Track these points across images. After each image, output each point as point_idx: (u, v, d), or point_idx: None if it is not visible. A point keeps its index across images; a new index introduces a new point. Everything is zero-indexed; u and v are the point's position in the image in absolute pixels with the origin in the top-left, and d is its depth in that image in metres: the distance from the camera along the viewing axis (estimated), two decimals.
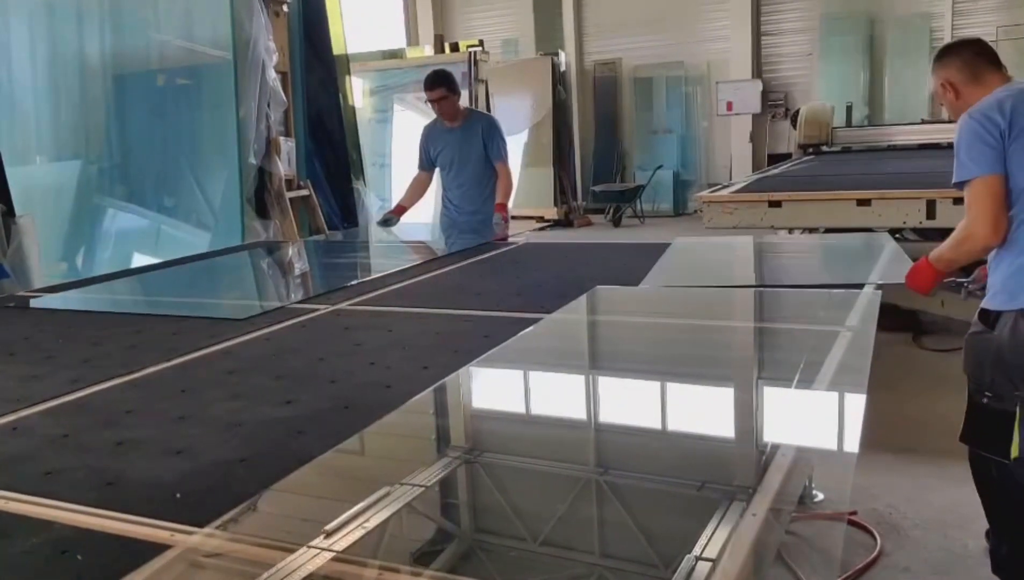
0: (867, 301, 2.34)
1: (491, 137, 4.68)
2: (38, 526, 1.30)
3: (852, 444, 1.41)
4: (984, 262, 2.64)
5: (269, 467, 1.48)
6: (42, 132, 5.97)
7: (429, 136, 4.82)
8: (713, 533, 1.15)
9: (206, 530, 1.23)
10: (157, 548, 1.20)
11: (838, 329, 2.09)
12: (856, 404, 1.59)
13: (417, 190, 4.93)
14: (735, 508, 1.23)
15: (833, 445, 1.55)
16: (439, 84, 4.58)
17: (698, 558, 1.08)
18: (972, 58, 2.54)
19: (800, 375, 1.82)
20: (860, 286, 2.52)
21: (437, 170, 4.84)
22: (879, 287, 2.49)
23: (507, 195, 4.63)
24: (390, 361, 2.14)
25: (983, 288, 2.51)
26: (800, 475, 1.43)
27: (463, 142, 4.67)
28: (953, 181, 2.48)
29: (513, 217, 5.13)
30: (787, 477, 1.29)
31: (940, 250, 2.62)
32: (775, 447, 1.39)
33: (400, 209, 4.84)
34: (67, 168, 5.97)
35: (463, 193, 4.71)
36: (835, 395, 1.74)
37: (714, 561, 1.07)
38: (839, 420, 1.64)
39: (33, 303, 3.18)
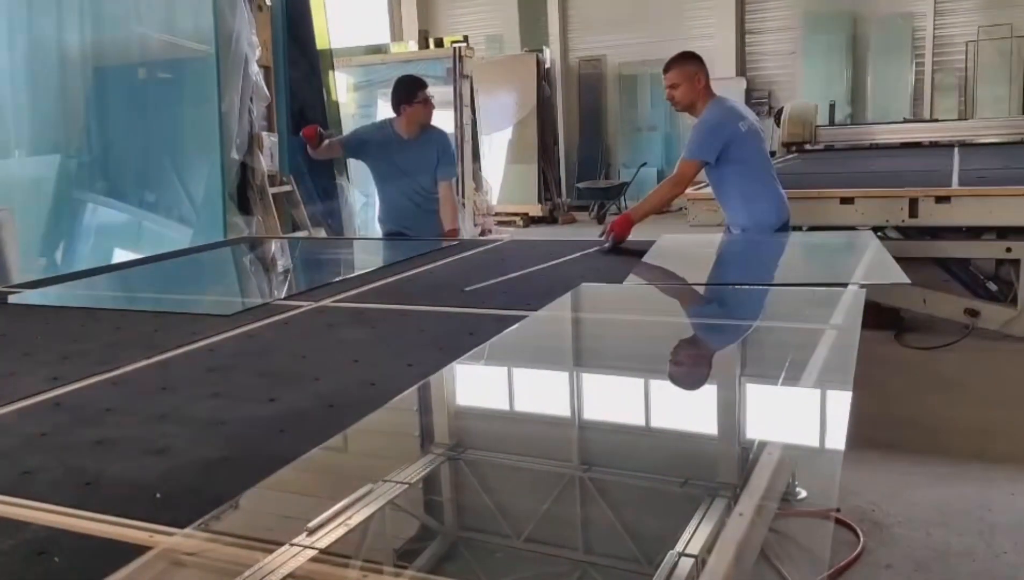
0: (851, 299, 2.34)
1: (446, 153, 4.48)
2: (14, 527, 1.27)
3: (838, 442, 1.41)
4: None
5: (252, 466, 1.46)
6: (21, 125, 5.90)
7: (378, 135, 4.54)
8: (696, 529, 1.15)
9: (187, 530, 1.21)
10: (137, 549, 1.17)
11: (823, 327, 2.09)
12: (842, 402, 1.59)
13: (328, 152, 4.67)
14: (717, 504, 1.23)
15: (819, 443, 1.55)
16: (425, 86, 4.43)
17: (681, 554, 1.08)
18: (705, 74, 3.91)
19: (785, 373, 1.82)
20: (844, 285, 2.52)
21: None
22: (863, 285, 2.50)
23: (454, 218, 4.48)
24: (374, 358, 2.13)
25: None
26: (785, 473, 1.43)
27: (418, 155, 4.43)
28: (684, 155, 3.88)
29: (497, 214, 5.11)
30: (774, 475, 1.29)
31: (640, 207, 3.96)
32: (761, 445, 1.38)
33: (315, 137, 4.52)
34: (46, 162, 5.90)
35: (411, 206, 4.50)
36: (821, 393, 1.74)
37: (696, 557, 1.07)
38: (825, 418, 1.64)
39: (11, 299, 3.13)
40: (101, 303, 3.18)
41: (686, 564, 1.06)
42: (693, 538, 1.13)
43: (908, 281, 2.67)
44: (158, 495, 1.36)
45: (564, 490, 1.50)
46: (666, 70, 3.92)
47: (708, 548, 1.11)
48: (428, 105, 4.47)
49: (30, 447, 1.62)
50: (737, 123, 3.84)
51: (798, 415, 1.67)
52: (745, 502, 1.20)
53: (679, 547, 1.10)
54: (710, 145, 3.81)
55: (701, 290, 2.99)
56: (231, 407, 1.79)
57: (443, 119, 9.02)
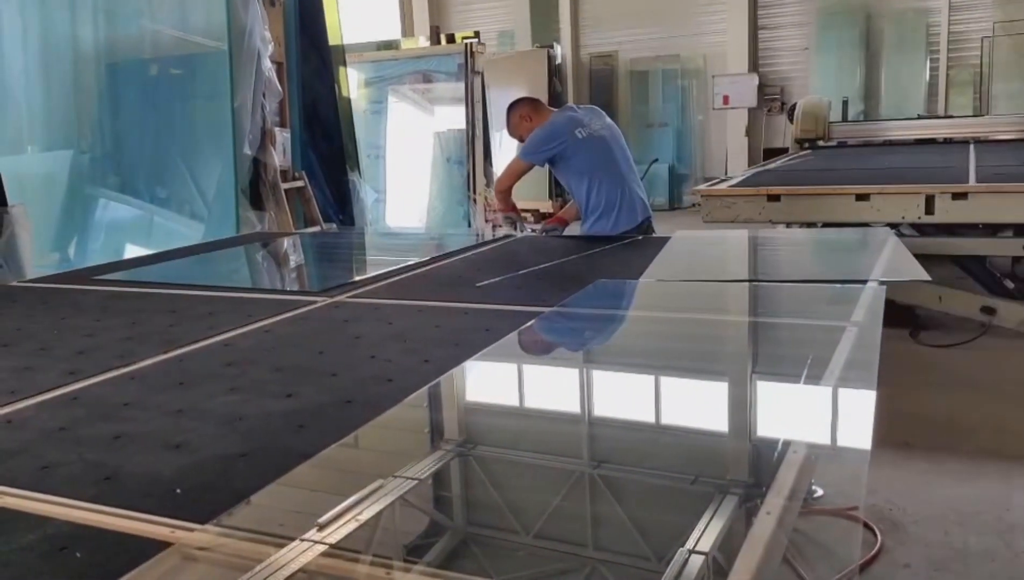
0: (872, 296, 2.32)
1: None
2: (35, 522, 1.27)
3: (864, 441, 1.39)
4: (550, 216, 4.92)
5: (270, 462, 1.45)
6: (34, 121, 5.91)
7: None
8: (706, 527, 1.15)
9: (208, 526, 1.21)
10: (157, 545, 1.17)
11: (844, 324, 2.07)
12: (865, 400, 1.57)
13: None
14: (729, 502, 1.23)
15: (840, 442, 1.54)
16: None
17: (691, 551, 1.08)
18: (528, 107, 4.33)
19: (807, 371, 1.80)
20: (863, 281, 2.50)
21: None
22: (883, 282, 2.47)
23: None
24: (390, 354, 2.12)
25: (552, 229, 4.30)
26: (810, 472, 1.42)
27: None
28: (520, 155, 4.25)
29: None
30: (799, 474, 1.27)
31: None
32: (787, 444, 1.37)
33: None
34: (59, 157, 5.91)
35: None
36: (842, 391, 1.72)
37: (707, 554, 1.07)
38: (847, 417, 1.63)
39: (23, 294, 3.14)
40: (115, 299, 3.18)
41: (696, 561, 1.06)
42: (703, 535, 1.13)
43: (928, 278, 2.64)
44: (178, 490, 1.36)
45: (574, 486, 1.49)
46: (511, 135, 4.43)
47: (719, 546, 1.10)
48: None
49: (49, 441, 1.61)
50: (573, 130, 4.05)
51: (819, 413, 1.66)
52: (772, 501, 1.18)
53: (689, 544, 1.10)
54: (539, 151, 4.12)
55: (718, 287, 2.97)
56: (249, 402, 1.78)
57: (454, 115, 9.03)
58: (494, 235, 4.36)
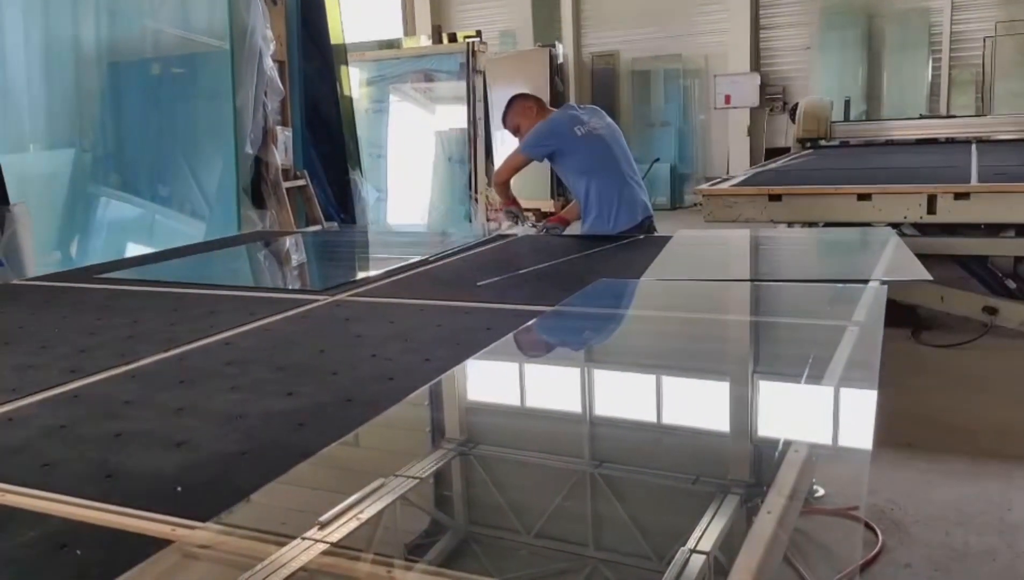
0: (873, 296, 2.32)
1: None
2: (36, 519, 1.27)
3: (865, 441, 1.39)
4: (551, 215, 4.90)
5: (271, 460, 1.45)
6: (36, 120, 5.91)
7: None
8: (707, 526, 1.15)
9: (207, 524, 1.21)
10: (158, 543, 1.17)
11: (845, 324, 2.07)
12: (866, 400, 1.57)
13: None
14: (730, 501, 1.24)
15: (846, 441, 1.54)
16: None
17: (692, 551, 1.08)
18: (534, 101, 4.38)
19: (808, 370, 1.80)
20: (865, 281, 2.50)
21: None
22: (884, 282, 2.47)
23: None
24: (391, 353, 2.12)
25: (553, 228, 4.30)
26: (811, 472, 1.42)
27: None
28: (519, 148, 4.26)
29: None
30: (800, 474, 1.27)
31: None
32: (788, 444, 1.37)
33: None
34: (61, 156, 5.92)
35: None
36: (843, 391, 1.72)
37: (708, 553, 1.07)
38: (848, 416, 1.62)
39: (25, 292, 3.14)
40: (117, 297, 3.18)
41: (697, 561, 1.06)
42: (705, 535, 1.13)
43: (930, 278, 2.64)
44: (179, 488, 1.36)
45: (575, 486, 1.49)
46: (505, 125, 4.43)
47: (721, 545, 1.10)
48: None
49: (50, 439, 1.61)
50: (573, 127, 4.11)
51: (820, 413, 1.65)
52: (773, 500, 1.18)
53: (691, 544, 1.10)
54: (538, 145, 4.18)
55: (720, 286, 2.96)
56: (249, 401, 1.78)
57: (456, 115, 9.03)
58: (499, 229, 4.37)
